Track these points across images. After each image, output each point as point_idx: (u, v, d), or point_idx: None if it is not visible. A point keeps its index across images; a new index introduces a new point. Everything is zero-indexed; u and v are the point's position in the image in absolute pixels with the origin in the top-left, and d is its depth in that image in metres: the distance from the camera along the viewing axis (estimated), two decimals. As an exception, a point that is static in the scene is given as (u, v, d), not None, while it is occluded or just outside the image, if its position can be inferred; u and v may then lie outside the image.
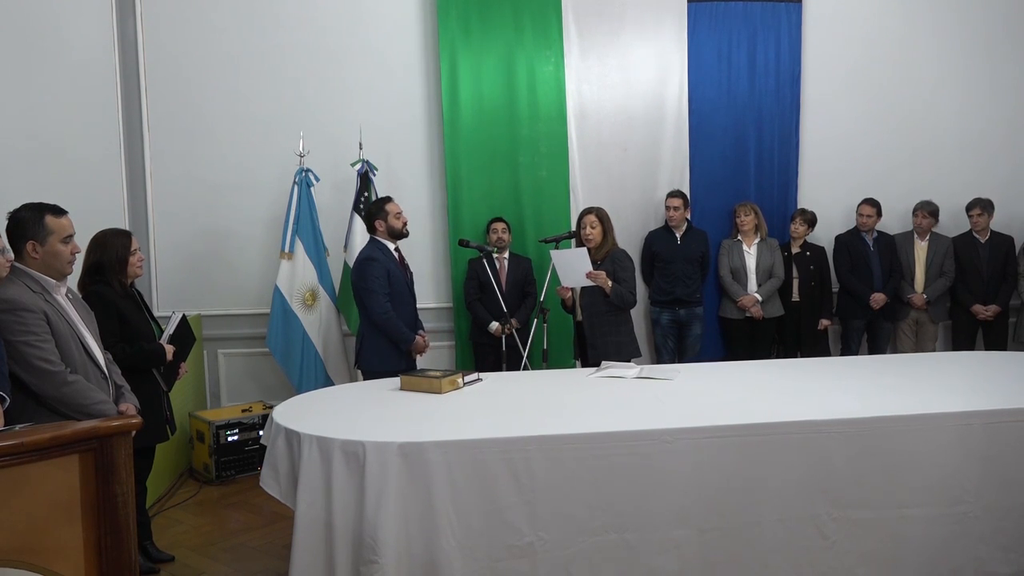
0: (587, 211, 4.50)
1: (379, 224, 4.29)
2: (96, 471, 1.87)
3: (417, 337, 4.32)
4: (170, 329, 3.55)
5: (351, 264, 5.03)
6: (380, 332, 4.21)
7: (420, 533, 2.72)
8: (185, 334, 3.67)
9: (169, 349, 3.47)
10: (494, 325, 4.94)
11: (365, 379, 4.21)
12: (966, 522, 2.96)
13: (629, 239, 5.59)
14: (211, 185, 5.37)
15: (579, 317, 4.48)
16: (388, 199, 4.40)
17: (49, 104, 4.39)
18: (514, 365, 4.74)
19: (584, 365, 4.45)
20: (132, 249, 3.45)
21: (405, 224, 4.36)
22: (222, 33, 5.33)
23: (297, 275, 5.02)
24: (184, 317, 3.66)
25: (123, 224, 4.93)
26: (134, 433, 1.95)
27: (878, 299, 5.38)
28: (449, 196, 5.49)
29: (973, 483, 2.96)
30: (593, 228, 4.39)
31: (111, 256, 3.38)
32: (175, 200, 5.35)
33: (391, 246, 4.32)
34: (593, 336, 4.35)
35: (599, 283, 4.21)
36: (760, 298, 5.26)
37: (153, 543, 3.70)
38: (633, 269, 4.44)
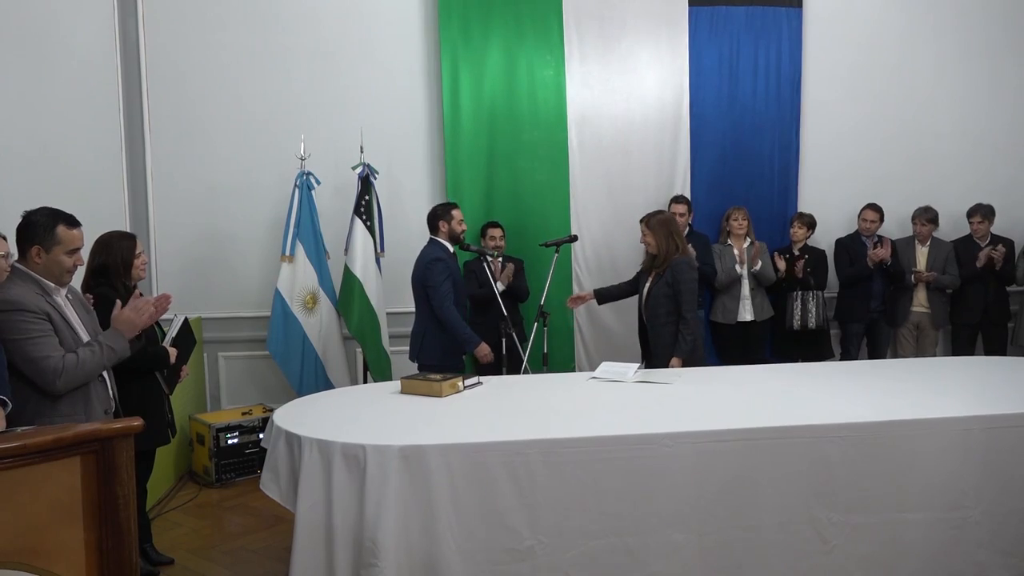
0: (641, 219, 4.44)
1: (442, 225, 4.53)
2: (98, 473, 1.88)
3: (483, 344, 4.42)
4: (172, 332, 3.56)
5: (352, 267, 5.07)
6: (444, 329, 4.37)
7: (420, 536, 2.72)
8: (187, 337, 3.67)
9: (172, 352, 3.47)
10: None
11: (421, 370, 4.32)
12: (966, 527, 2.96)
13: (630, 244, 5.60)
14: (212, 188, 5.38)
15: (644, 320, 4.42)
16: (455, 205, 4.71)
17: (50, 106, 4.40)
18: (514, 369, 4.74)
19: (648, 366, 4.38)
20: (136, 252, 3.45)
21: (464, 232, 4.62)
22: (224, 36, 5.35)
23: (298, 278, 5.02)
24: (186, 320, 3.66)
25: (124, 227, 4.93)
26: (135, 436, 1.95)
27: (881, 252, 5.33)
28: (449, 199, 5.48)
29: (973, 488, 2.96)
30: (644, 236, 4.34)
31: (116, 259, 3.39)
32: (176, 203, 5.36)
33: (450, 248, 4.52)
34: (656, 344, 4.28)
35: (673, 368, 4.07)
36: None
37: (153, 545, 3.70)
38: (694, 279, 4.23)
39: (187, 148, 5.36)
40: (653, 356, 4.32)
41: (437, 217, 4.57)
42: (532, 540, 2.77)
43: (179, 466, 4.95)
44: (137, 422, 1.92)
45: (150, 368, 3.42)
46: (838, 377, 3.85)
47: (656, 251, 4.27)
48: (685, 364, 4.14)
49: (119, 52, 5.13)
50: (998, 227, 5.57)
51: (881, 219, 5.53)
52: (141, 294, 3.36)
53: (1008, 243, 5.50)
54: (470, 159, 5.48)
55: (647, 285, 4.35)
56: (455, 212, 4.61)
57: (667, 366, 4.12)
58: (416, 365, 4.61)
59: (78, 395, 2.76)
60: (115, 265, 3.38)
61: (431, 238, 4.60)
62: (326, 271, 5.14)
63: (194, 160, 5.37)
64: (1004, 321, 5.56)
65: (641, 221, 4.41)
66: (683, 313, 4.15)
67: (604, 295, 4.68)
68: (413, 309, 5.53)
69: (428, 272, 4.40)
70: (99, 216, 4.15)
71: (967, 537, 2.97)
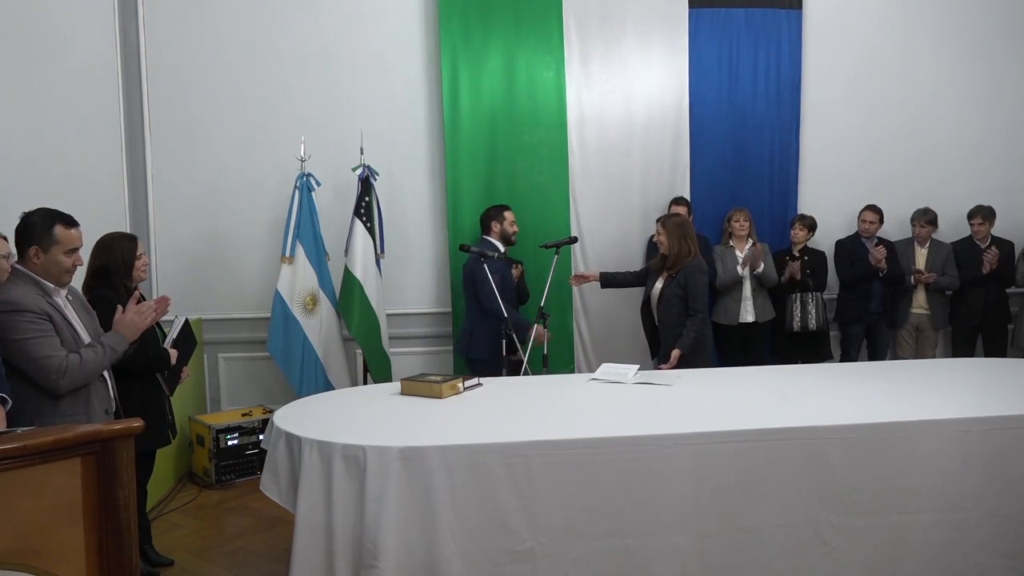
0: (660, 218, 4.58)
1: (495, 226, 4.76)
2: (98, 474, 1.87)
3: (537, 326, 4.47)
4: (173, 333, 3.56)
5: (352, 269, 5.07)
6: (492, 323, 4.51)
7: (420, 538, 2.72)
8: (187, 338, 3.67)
9: (173, 353, 3.47)
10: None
11: (471, 368, 4.44)
12: (966, 528, 2.96)
13: (631, 244, 5.62)
14: (212, 189, 5.38)
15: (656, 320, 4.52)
16: (507, 207, 4.91)
17: (51, 108, 4.41)
18: (514, 370, 4.74)
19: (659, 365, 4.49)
20: (138, 253, 3.45)
21: (515, 233, 4.82)
22: (224, 38, 5.35)
23: (298, 280, 5.02)
24: (187, 321, 3.66)
25: (124, 228, 4.93)
26: (136, 437, 1.95)
27: (878, 253, 5.33)
28: (449, 201, 5.50)
29: (973, 489, 2.96)
30: (659, 235, 4.43)
31: (117, 260, 3.39)
32: (176, 204, 5.36)
33: (501, 248, 4.67)
34: (667, 344, 4.35)
35: (669, 367, 4.17)
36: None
37: (153, 547, 3.70)
38: (705, 283, 4.36)
39: (187, 149, 5.36)
40: (665, 354, 4.37)
41: (490, 218, 4.76)
42: (532, 541, 2.77)
43: (179, 467, 4.95)
44: (137, 423, 1.92)
45: (151, 369, 3.42)
46: (838, 379, 3.86)
47: (668, 252, 4.35)
48: (690, 362, 4.20)
49: (119, 54, 5.14)
50: (998, 229, 5.57)
51: (881, 220, 5.53)
52: (142, 296, 3.37)
53: (1008, 245, 5.51)
54: (470, 160, 5.48)
55: (659, 286, 4.42)
56: (507, 214, 4.81)
57: (684, 362, 4.20)
58: (465, 360, 4.80)
59: (79, 395, 2.77)
60: (116, 266, 3.38)
61: (482, 238, 4.78)
62: (326, 272, 5.14)
63: (194, 161, 5.37)
64: (1004, 323, 5.56)
65: (658, 221, 4.51)
66: (690, 311, 4.25)
67: (609, 280, 4.73)
68: (412, 311, 5.62)
69: (477, 269, 4.53)
70: (100, 217, 4.16)
71: (967, 539, 2.97)
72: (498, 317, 4.45)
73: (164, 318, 3.20)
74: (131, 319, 2.89)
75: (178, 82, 5.32)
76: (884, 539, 2.94)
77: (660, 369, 4.19)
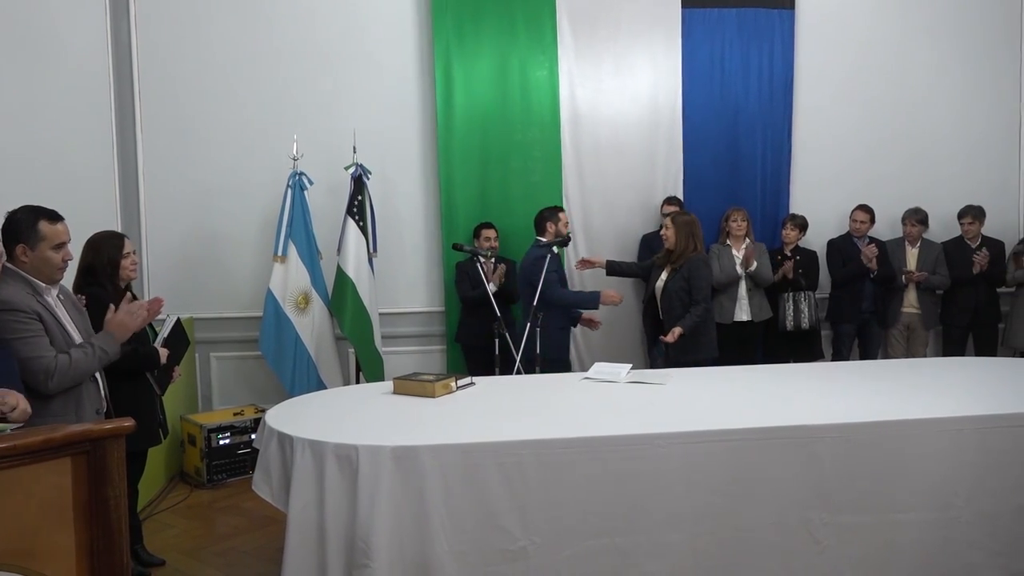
0: (668, 213, 4.77)
1: (550, 226, 4.76)
2: (88, 474, 1.86)
3: (604, 291, 4.60)
4: (164, 332, 3.54)
5: (344, 268, 5.05)
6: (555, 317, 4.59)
7: (413, 537, 2.71)
8: (179, 337, 3.66)
9: (163, 352, 3.45)
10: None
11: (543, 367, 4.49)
12: (957, 527, 2.98)
13: (625, 243, 5.62)
14: (204, 188, 5.36)
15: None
16: (561, 208, 4.95)
17: (42, 106, 4.38)
18: (507, 369, 4.74)
19: (665, 360, 4.64)
20: (125, 252, 3.42)
21: (569, 233, 4.88)
22: (216, 36, 5.33)
23: (290, 278, 5.00)
24: (178, 320, 3.65)
25: (116, 227, 4.90)
26: (126, 436, 1.94)
27: (869, 252, 5.37)
28: (442, 200, 5.50)
29: (964, 488, 2.98)
30: (667, 229, 4.54)
31: (102, 258, 3.36)
32: (168, 203, 5.34)
33: (554, 249, 4.73)
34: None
35: (671, 340, 4.33)
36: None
37: (144, 547, 3.69)
38: (708, 276, 4.50)
39: (179, 148, 5.34)
40: (669, 348, 4.47)
41: (545, 219, 4.79)
42: (525, 541, 2.77)
43: (170, 467, 4.93)
44: (128, 423, 1.91)
45: (141, 369, 3.40)
46: (830, 378, 3.87)
47: (673, 247, 4.47)
48: (692, 352, 4.33)
49: (111, 53, 5.10)
50: (988, 229, 5.59)
51: (872, 220, 5.55)
52: (134, 296, 3.35)
53: (998, 245, 5.53)
54: (463, 159, 5.48)
55: (663, 280, 4.50)
56: (561, 215, 4.85)
57: (681, 354, 4.33)
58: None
59: (70, 395, 2.74)
60: (102, 265, 3.35)
61: (536, 238, 4.80)
62: (319, 271, 5.13)
63: (186, 160, 5.35)
64: (994, 322, 5.58)
65: (667, 215, 4.69)
66: (693, 301, 4.36)
67: (615, 268, 4.88)
68: (405, 310, 5.61)
69: (534, 268, 4.58)
70: (90, 216, 4.13)
71: (958, 537, 2.98)
72: (566, 304, 4.59)
73: (156, 318, 3.18)
74: (122, 319, 2.86)
75: (170, 80, 5.30)
76: (876, 537, 2.95)
77: (662, 340, 4.38)
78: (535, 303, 4.56)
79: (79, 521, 1.86)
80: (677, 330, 4.31)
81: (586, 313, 4.91)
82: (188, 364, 5.11)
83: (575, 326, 4.89)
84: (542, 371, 4.46)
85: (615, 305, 4.63)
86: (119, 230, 4.44)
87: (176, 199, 5.34)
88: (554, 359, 4.56)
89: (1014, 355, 5.39)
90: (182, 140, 5.34)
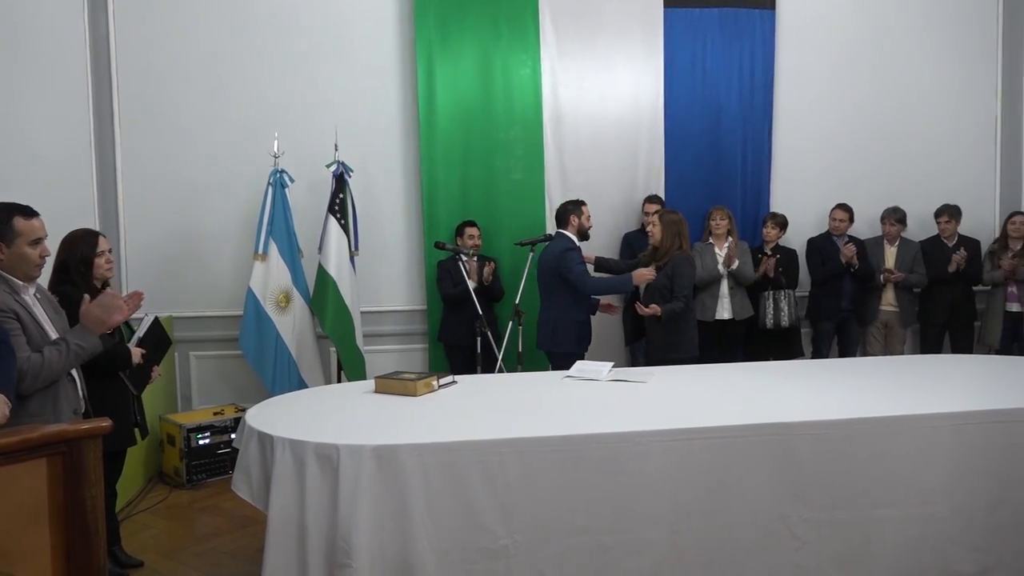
0: (655, 210, 4.94)
1: (573, 219, 4.73)
2: (65, 475, 1.85)
3: (636, 271, 4.54)
4: (140, 332, 3.50)
5: (326, 266, 5.03)
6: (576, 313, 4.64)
7: (394, 536, 2.71)
8: (159, 337, 3.62)
9: (136, 351, 3.40)
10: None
11: (553, 361, 4.49)
12: (934, 522, 3.01)
13: (607, 241, 5.63)
14: (184, 185, 5.31)
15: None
16: (583, 202, 4.86)
17: (18, 101, 4.33)
18: (489, 367, 4.74)
19: (645, 357, 4.79)
20: (99, 250, 3.37)
21: (591, 227, 4.85)
22: (196, 31, 5.28)
23: (271, 277, 4.97)
24: (157, 320, 3.61)
25: (93, 224, 4.86)
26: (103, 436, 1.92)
27: (848, 251, 5.42)
28: (424, 198, 5.48)
29: (941, 484, 3.01)
30: (653, 227, 4.62)
31: (75, 256, 3.31)
32: (147, 200, 5.28)
33: (576, 241, 4.71)
34: (653, 331, 4.56)
35: (647, 313, 4.39)
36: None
37: (122, 548, 3.65)
38: (691, 275, 4.57)
39: (158, 144, 5.29)
40: (649, 346, 4.57)
41: (568, 212, 4.75)
42: (506, 539, 2.77)
43: (149, 467, 4.89)
44: (105, 423, 1.90)
45: (110, 368, 3.34)
46: (809, 375, 3.90)
47: (659, 244, 4.54)
48: (673, 349, 4.42)
49: (88, 46, 5.05)
50: (964, 228, 5.66)
51: (851, 219, 5.60)
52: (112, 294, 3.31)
53: (974, 244, 5.60)
54: (445, 158, 5.47)
55: None
56: (584, 208, 4.81)
57: (662, 353, 4.42)
58: (548, 355, 4.77)
59: (47, 395, 2.71)
60: (75, 263, 3.30)
61: (558, 231, 4.77)
62: (300, 270, 5.10)
63: (165, 157, 5.30)
64: (970, 320, 5.65)
65: (654, 213, 4.78)
66: (674, 296, 4.43)
67: (603, 264, 5.01)
68: (387, 308, 5.60)
69: (562, 260, 4.58)
70: (67, 213, 4.09)
71: (935, 532, 3.02)
72: (601, 292, 4.65)
73: (133, 316, 3.14)
74: (95, 312, 2.77)
75: (149, 75, 5.25)
76: (854, 533, 2.98)
77: (637, 306, 4.45)
78: (517, 302, 4.57)
79: (55, 522, 1.84)
80: (656, 307, 4.35)
81: (603, 299, 4.92)
82: (167, 363, 5.05)
83: (594, 314, 4.87)
84: (553, 367, 4.51)
85: (649, 281, 4.54)
86: (97, 227, 4.40)
87: (155, 196, 5.29)
88: (570, 353, 4.48)
89: (989, 353, 5.46)
90: (161, 136, 5.29)
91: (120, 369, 3.40)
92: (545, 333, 4.74)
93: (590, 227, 4.85)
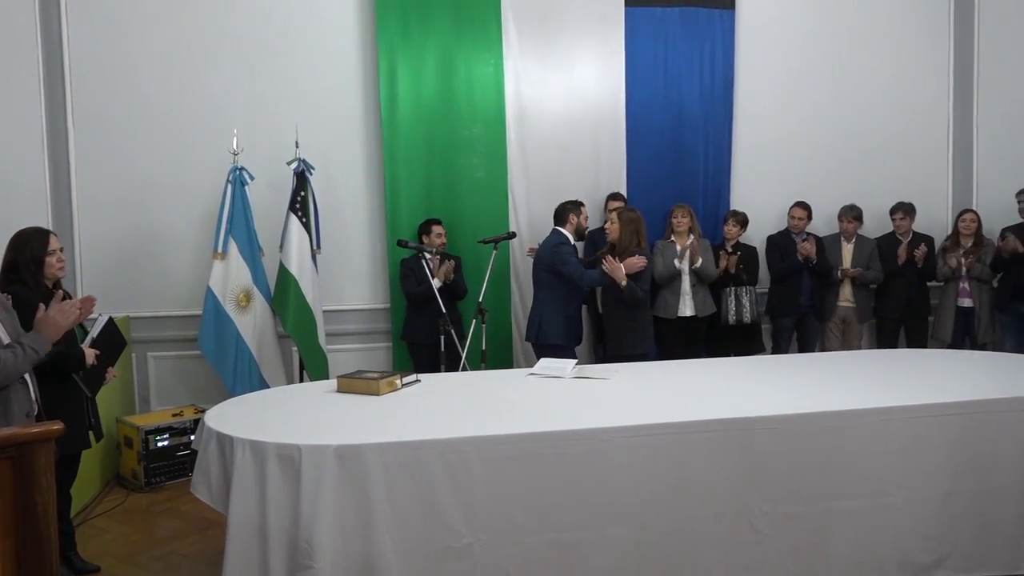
0: (615, 208, 4.98)
1: (572, 218, 4.84)
2: (15, 479, 1.80)
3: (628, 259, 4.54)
4: (94, 332, 3.43)
5: (287, 265, 4.98)
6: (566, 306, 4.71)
7: (357, 536, 2.69)
8: (113, 338, 3.55)
9: (89, 353, 3.33)
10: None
11: (543, 353, 4.39)
12: (890, 513, 3.08)
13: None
14: (140, 183, 5.21)
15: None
16: (583, 203, 5.00)
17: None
18: (453, 366, 4.73)
19: (603, 353, 4.88)
20: (50, 249, 3.29)
21: (587, 229, 5.00)
22: (153, 26, 5.18)
23: (231, 276, 4.90)
24: (111, 320, 3.54)
25: (46, 223, 4.75)
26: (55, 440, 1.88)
27: (806, 246, 5.50)
28: (387, 196, 5.45)
29: (896, 476, 3.08)
30: (612, 224, 4.69)
31: (25, 256, 3.22)
32: (102, 198, 5.17)
33: (571, 239, 4.80)
34: (610, 325, 4.70)
35: (616, 277, 4.45)
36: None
37: (77, 553, 3.57)
38: (648, 270, 4.69)
39: (113, 142, 5.18)
40: (607, 337, 4.66)
41: (567, 211, 4.85)
42: (471, 538, 2.77)
43: (106, 470, 4.79)
44: (57, 426, 1.86)
45: (64, 370, 3.26)
46: (769, 370, 3.96)
47: (616, 241, 4.60)
48: (628, 346, 4.53)
49: (40, 41, 4.93)
50: (918, 225, 5.79)
51: (809, 216, 5.70)
52: (67, 294, 3.23)
53: (928, 240, 5.73)
54: (408, 155, 5.44)
55: None
56: (583, 209, 4.96)
57: (618, 348, 4.54)
58: (535, 347, 4.79)
59: (-3, 398, 2.64)
60: (25, 262, 3.22)
61: (555, 228, 4.86)
62: (260, 268, 5.04)
63: (121, 154, 5.19)
64: (924, 315, 5.78)
65: (613, 211, 4.83)
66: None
67: None
68: (350, 307, 5.56)
69: (556, 254, 4.69)
70: (19, 213, 4.01)
71: (890, 523, 3.08)
72: (590, 284, 4.67)
73: (87, 317, 3.08)
74: (53, 318, 2.74)
75: (103, 71, 5.13)
76: (813, 526, 3.03)
77: (607, 259, 4.50)
78: (480, 300, 4.57)
79: (5, 527, 1.80)
80: (622, 277, 4.43)
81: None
82: (123, 365, 4.96)
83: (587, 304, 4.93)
84: (538, 357, 4.44)
85: (640, 270, 4.58)
86: (49, 226, 4.30)
87: (111, 194, 5.18)
88: (557, 345, 4.58)
89: (942, 347, 5.59)
90: (117, 133, 5.18)
91: (74, 371, 3.32)
92: (532, 325, 4.83)
93: (587, 228, 5.03)
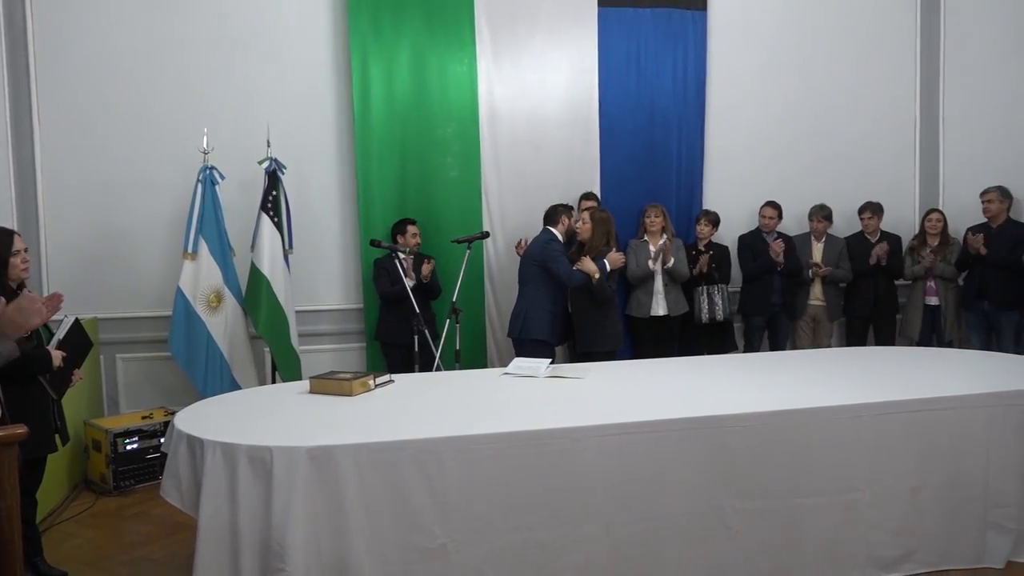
0: (588, 208, 5.04)
1: (564, 220, 4.92)
2: (-24, 485, 1.77)
3: (609, 254, 4.70)
4: (60, 334, 3.36)
5: (259, 265, 4.94)
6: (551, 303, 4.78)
7: (330, 539, 2.68)
8: (79, 339, 3.48)
9: (56, 355, 3.27)
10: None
11: (522, 350, 4.60)
12: (858, 509, 3.13)
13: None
14: (109, 182, 5.13)
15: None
16: (572, 207, 5.15)
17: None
18: (427, 366, 4.72)
19: (573, 351, 4.95)
20: (14, 250, 3.22)
21: (577, 231, 4.98)
22: (121, 21, 5.11)
23: (201, 276, 4.84)
24: (77, 321, 3.47)
25: (11, 223, 4.66)
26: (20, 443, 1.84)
27: (777, 246, 5.55)
28: (360, 195, 5.42)
29: (863, 471, 3.13)
30: (584, 223, 4.79)
31: None
32: (69, 197, 5.09)
33: (561, 239, 4.87)
34: (579, 324, 4.76)
35: (587, 270, 4.58)
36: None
37: (44, 559, 3.50)
38: (616, 273, 4.81)
39: (81, 140, 5.09)
40: (578, 335, 4.73)
41: (559, 212, 4.94)
42: (444, 538, 2.77)
43: (73, 474, 4.71)
44: (21, 430, 1.82)
45: (29, 372, 3.19)
46: (741, 369, 4.00)
47: (586, 241, 4.74)
48: (597, 344, 4.65)
49: (4, 38, 4.84)
50: (886, 224, 5.88)
51: (780, 216, 5.76)
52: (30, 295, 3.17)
53: (895, 239, 5.82)
54: (381, 155, 5.41)
55: None
56: (574, 212, 5.11)
57: (588, 345, 4.67)
58: (516, 342, 4.85)
59: (-42, 402, 2.59)
60: None
61: (545, 228, 4.92)
62: (231, 269, 4.98)
63: (89, 152, 5.11)
64: (893, 313, 5.87)
65: (585, 210, 4.91)
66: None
67: None
68: (323, 307, 5.52)
69: (546, 250, 4.75)
70: (-19, 211, 3.92)
71: (858, 518, 3.13)
72: (572, 281, 4.66)
73: (53, 317, 3.02)
74: (10, 315, 2.64)
75: (70, 67, 5.05)
76: (783, 522, 3.07)
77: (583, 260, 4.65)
78: (454, 299, 4.57)
79: (-33, 534, 1.76)
80: (594, 268, 4.54)
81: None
82: (91, 367, 4.88)
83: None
84: (519, 353, 4.58)
85: (620, 266, 4.77)
86: (14, 227, 4.23)
87: (78, 194, 5.10)
88: (539, 341, 4.67)
89: (910, 344, 5.68)
90: (83, 132, 5.09)
91: (40, 373, 3.26)
92: (516, 320, 4.86)
93: (574, 230, 5.06)
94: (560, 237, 4.87)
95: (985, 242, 5.28)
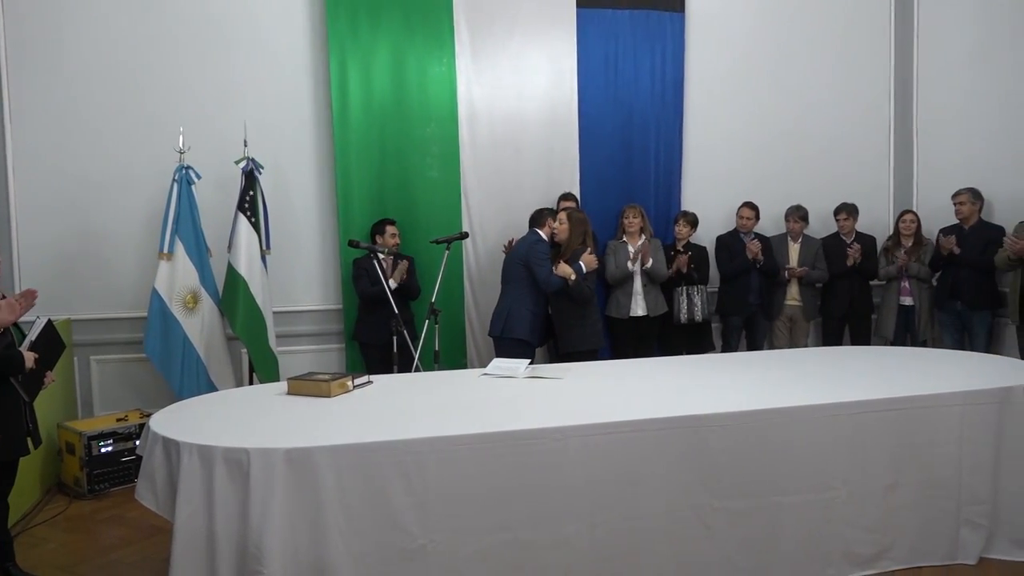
0: (566, 208, 5.08)
1: (549, 222, 4.92)
2: (-54, 489, 1.73)
3: (584, 257, 4.71)
4: (32, 335, 3.31)
5: (236, 265, 4.90)
6: (533, 303, 4.80)
7: (308, 541, 2.66)
8: (51, 341, 3.43)
9: (29, 356, 3.22)
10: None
11: (503, 349, 4.64)
12: (834, 507, 3.16)
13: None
14: (83, 181, 5.07)
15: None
16: (558, 211, 5.10)
17: None
18: (405, 366, 4.70)
19: (554, 352, 4.99)
20: (-14, 251, 3.19)
21: (555, 232, 4.93)
22: (95, 18, 5.04)
23: (177, 277, 4.79)
24: (49, 322, 3.42)
25: (-19, 222, 4.59)
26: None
27: (753, 247, 5.60)
28: (339, 196, 5.39)
29: (840, 470, 3.17)
30: (561, 224, 4.81)
31: None
32: (42, 197, 5.02)
33: (547, 242, 4.89)
34: (560, 325, 4.77)
35: (562, 274, 4.61)
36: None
37: (16, 564, 3.45)
38: (594, 274, 4.83)
39: (54, 138, 5.02)
40: (558, 335, 4.77)
41: (544, 215, 4.97)
42: (424, 539, 2.76)
43: (47, 478, 4.64)
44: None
45: (2, 373, 3.15)
46: (719, 368, 4.02)
47: (563, 242, 4.77)
48: (577, 343, 4.68)
49: (-27, 34, 4.77)
50: (861, 225, 5.94)
51: (757, 216, 5.81)
52: (2, 296, 3.12)
53: (870, 240, 5.89)
54: (360, 155, 5.39)
55: None
56: (560, 215, 5.02)
57: (568, 345, 4.69)
58: (497, 341, 4.87)
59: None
60: None
61: (531, 230, 4.96)
62: (208, 269, 4.94)
63: (62, 151, 5.04)
64: (867, 313, 5.93)
65: (563, 211, 4.92)
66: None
67: None
68: (301, 308, 5.49)
69: (532, 250, 4.77)
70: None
71: (835, 516, 3.17)
72: (552, 286, 4.66)
73: (24, 318, 2.97)
74: None
75: (42, 65, 4.98)
76: (761, 520, 3.09)
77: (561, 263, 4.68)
78: (433, 300, 4.56)
79: (-64, 540, 1.72)
80: (569, 270, 4.59)
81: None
82: (64, 369, 4.82)
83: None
84: (499, 352, 4.59)
85: (594, 268, 4.77)
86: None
87: (51, 193, 5.03)
88: (520, 340, 4.71)
89: (884, 344, 5.75)
90: (57, 130, 5.02)
91: (12, 375, 3.21)
92: (498, 319, 4.86)
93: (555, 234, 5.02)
94: (546, 239, 4.89)
95: (957, 243, 5.36)
